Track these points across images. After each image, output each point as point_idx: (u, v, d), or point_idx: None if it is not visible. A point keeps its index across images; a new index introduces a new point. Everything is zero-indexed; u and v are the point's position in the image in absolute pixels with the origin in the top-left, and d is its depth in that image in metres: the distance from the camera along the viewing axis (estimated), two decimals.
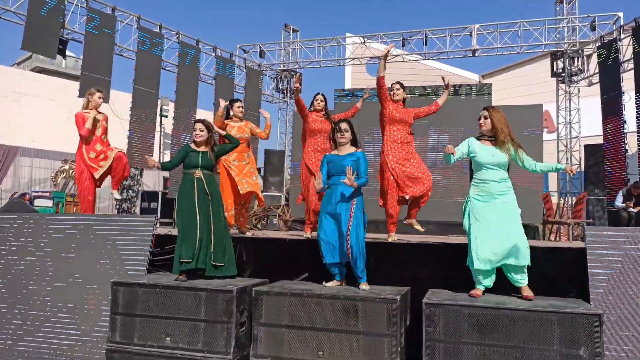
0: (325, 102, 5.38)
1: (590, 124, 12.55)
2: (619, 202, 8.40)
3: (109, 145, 5.46)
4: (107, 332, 3.96)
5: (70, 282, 4.43)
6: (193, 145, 4.35)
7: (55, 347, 4.26)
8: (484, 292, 3.62)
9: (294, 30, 14.32)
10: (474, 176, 3.74)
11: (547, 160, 11.12)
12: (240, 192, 5.34)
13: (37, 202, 10.34)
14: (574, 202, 10.59)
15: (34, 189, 12.22)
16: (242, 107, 5.62)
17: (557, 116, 12.60)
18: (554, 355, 3.13)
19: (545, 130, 17.23)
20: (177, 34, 11.60)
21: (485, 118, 3.72)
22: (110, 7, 10.28)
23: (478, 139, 3.76)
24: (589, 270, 3.68)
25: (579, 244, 4.49)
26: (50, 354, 4.25)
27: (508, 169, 3.74)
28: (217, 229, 4.21)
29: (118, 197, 5.73)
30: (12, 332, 4.41)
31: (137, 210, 12.18)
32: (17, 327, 4.42)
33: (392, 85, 5.10)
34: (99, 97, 5.49)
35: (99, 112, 5.48)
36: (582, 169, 11.89)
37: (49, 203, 10.61)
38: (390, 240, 4.77)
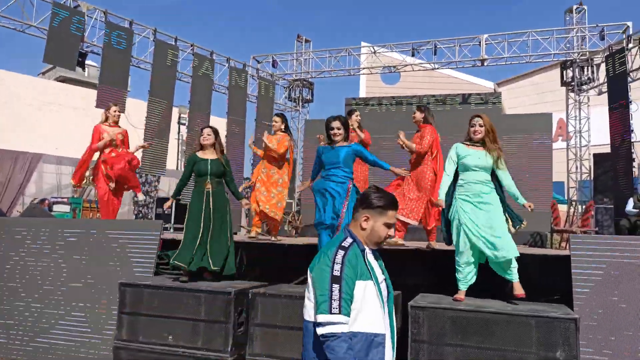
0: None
1: (600, 133, 12.52)
2: (630, 207, 8.35)
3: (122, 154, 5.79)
4: (115, 330, 4.23)
5: (83, 283, 4.72)
6: (200, 154, 4.54)
7: (69, 343, 4.55)
8: (473, 294, 3.79)
9: (306, 41, 14.60)
10: (459, 177, 3.92)
11: (558, 169, 11.13)
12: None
13: (56, 208, 10.74)
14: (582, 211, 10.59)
15: (53, 195, 12.66)
16: (276, 122, 6.29)
17: (567, 125, 12.62)
18: (532, 357, 3.29)
19: (560, 138, 17.20)
20: (191, 45, 11.95)
21: (481, 126, 3.90)
22: (128, 21, 10.68)
23: (464, 143, 3.96)
24: (572, 277, 3.82)
25: (565, 252, 4.62)
26: (64, 349, 4.54)
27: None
28: (218, 238, 4.43)
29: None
30: (29, 329, 4.72)
31: (153, 215, 12.54)
32: (34, 324, 4.73)
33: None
34: (115, 111, 5.85)
35: (119, 127, 5.86)
36: (591, 178, 11.87)
37: (67, 208, 11.01)
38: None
